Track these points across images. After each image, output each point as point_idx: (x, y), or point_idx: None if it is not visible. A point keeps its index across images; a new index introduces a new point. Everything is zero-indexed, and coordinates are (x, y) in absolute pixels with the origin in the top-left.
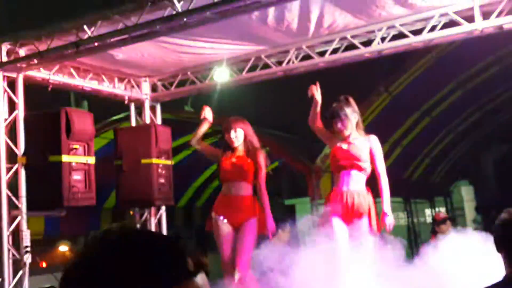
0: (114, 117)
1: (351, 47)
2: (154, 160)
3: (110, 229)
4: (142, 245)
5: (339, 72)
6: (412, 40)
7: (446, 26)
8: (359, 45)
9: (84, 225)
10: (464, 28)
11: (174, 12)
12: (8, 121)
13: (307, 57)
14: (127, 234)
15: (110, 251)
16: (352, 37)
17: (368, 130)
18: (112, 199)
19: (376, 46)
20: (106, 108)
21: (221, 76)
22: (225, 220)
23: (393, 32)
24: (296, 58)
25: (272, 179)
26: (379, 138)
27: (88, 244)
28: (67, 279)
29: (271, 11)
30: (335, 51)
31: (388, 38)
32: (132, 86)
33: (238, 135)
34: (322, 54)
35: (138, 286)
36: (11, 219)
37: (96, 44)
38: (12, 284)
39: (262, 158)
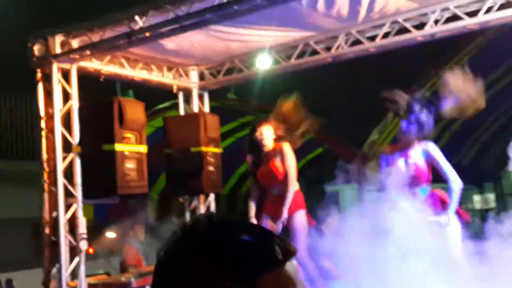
0: (160, 106)
1: (402, 30)
2: (204, 148)
3: (198, 219)
4: (230, 233)
5: (386, 57)
6: (467, 22)
7: (502, 7)
8: (411, 29)
9: (130, 213)
10: None
11: (224, 1)
12: (63, 111)
13: (356, 42)
14: (215, 223)
15: (199, 240)
16: (404, 20)
17: None
18: (158, 186)
19: (429, 29)
20: (151, 97)
21: (264, 63)
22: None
23: (447, 14)
24: (346, 43)
25: (315, 166)
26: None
27: (178, 234)
28: (160, 269)
29: None
30: (386, 35)
31: (441, 21)
32: (180, 75)
33: (264, 134)
34: (372, 38)
35: (227, 274)
36: (67, 207)
37: (147, 34)
38: (70, 270)
39: (287, 151)
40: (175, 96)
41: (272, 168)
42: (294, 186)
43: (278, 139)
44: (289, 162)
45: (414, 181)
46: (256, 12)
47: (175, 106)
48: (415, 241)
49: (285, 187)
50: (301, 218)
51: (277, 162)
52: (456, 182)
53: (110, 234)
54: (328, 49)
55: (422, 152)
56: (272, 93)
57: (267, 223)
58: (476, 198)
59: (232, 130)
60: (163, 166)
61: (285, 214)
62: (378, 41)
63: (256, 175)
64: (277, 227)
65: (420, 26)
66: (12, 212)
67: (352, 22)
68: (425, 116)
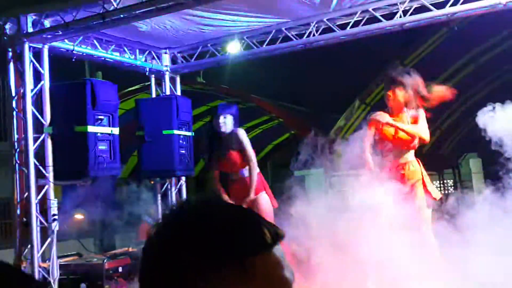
0: (130, 88)
1: (372, 20)
2: (176, 131)
3: (187, 202)
4: (219, 217)
5: (354, 45)
6: (435, 14)
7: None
8: (381, 18)
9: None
10: (488, 2)
11: None
12: (34, 91)
13: (327, 30)
14: (203, 206)
15: (187, 224)
16: (374, 10)
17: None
18: (127, 168)
19: (398, 19)
20: (120, 79)
21: (234, 49)
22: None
23: (415, 5)
24: (317, 31)
25: (283, 151)
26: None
27: (166, 217)
28: (150, 244)
29: None
30: (356, 24)
31: (410, 11)
32: (153, 58)
33: (226, 122)
34: (343, 27)
35: (215, 258)
36: (38, 188)
37: (122, 15)
38: (41, 251)
39: (243, 138)
40: (144, 79)
41: (232, 157)
42: (256, 168)
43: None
44: (248, 147)
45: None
46: None
47: (145, 88)
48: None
49: (244, 171)
50: (265, 199)
51: (234, 150)
52: None
53: (79, 216)
54: (300, 36)
55: None
56: (240, 78)
57: None
58: (436, 184)
59: (201, 114)
60: (133, 148)
61: (252, 195)
62: (348, 29)
63: (217, 164)
64: None
65: (390, 16)
66: None
67: (324, 9)
68: None
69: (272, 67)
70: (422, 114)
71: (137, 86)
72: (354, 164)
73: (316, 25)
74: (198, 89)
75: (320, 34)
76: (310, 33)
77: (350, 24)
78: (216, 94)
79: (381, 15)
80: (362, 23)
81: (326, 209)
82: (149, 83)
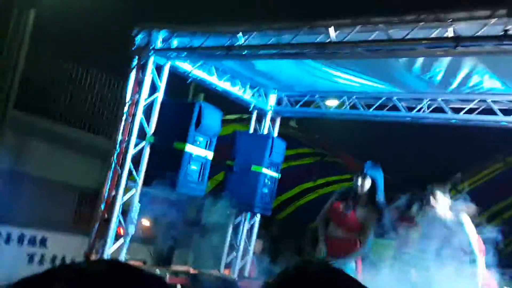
0: (228, 116)
1: (488, 111)
2: (264, 170)
3: (311, 263)
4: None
5: (457, 128)
6: None
7: None
8: (498, 112)
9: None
10: None
11: (327, 40)
12: (147, 101)
13: (439, 109)
14: (327, 271)
15: (310, 282)
16: (493, 102)
17: (474, 194)
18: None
19: None
20: (219, 106)
21: (340, 105)
22: None
23: None
24: (428, 107)
25: None
26: (480, 205)
27: (290, 273)
28: None
29: (421, 59)
30: (470, 110)
31: None
32: (260, 95)
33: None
34: (455, 110)
35: None
36: (126, 190)
37: (245, 52)
38: (112, 249)
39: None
40: (242, 110)
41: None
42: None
43: None
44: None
45: None
46: (354, 59)
47: (240, 120)
48: None
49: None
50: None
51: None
52: None
53: (145, 222)
54: (410, 108)
55: None
56: (332, 133)
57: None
58: None
59: (286, 156)
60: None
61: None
62: (462, 114)
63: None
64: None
65: (507, 112)
66: (62, 176)
67: (441, 89)
68: None
69: (367, 128)
70: None
71: (234, 116)
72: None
73: (428, 102)
74: (289, 132)
75: (430, 111)
76: (421, 108)
77: (464, 110)
78: (304, 142)
79: (499, 109)
80: (476, 111)
81: None
82: (246, 116)
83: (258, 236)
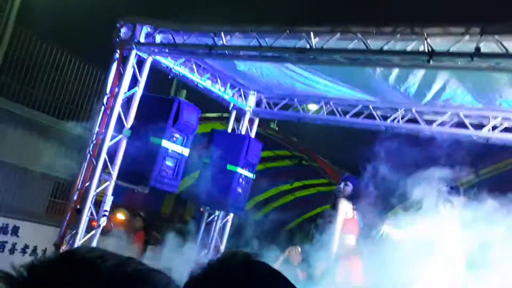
0: (208, 114)
1: (460, 124)
2: (239, 169)
3: (236, 255)
4: (261, 278)
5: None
6: None
7: None
8: (470, 126)
9: (145, 203)
10: None
11: (307, 46)
12: (126, 95)
13: (413, 120)
14: (251, 265)
15: (230, 278)
16: (465, 116)
17: None
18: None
19: (486, 132)
20: (200, 102)
21: (317, 110)
22: None
23: (506, 124)
24: (402, 117)
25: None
26: None
27: (213, 264)
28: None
29: (396, 70)
30: (443, 123)
31: (500, 128)
32: (240, 96)
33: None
34: (428, 121)
35: None
36: (99, 182)
37: (227, 52)
38: (83, 240)
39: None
40: (222, 109)
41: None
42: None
43: None
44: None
45: None
46: (332, 65)
47: (220, 118)
48: None
49: None
50: None
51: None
52: None
53: (120, 216)
54: (385, 117)
55: None
56: (311, 137)
57: None
58: None
59: (264, 158)
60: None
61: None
62: (434, 126)
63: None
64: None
65: (478, 126)
66: (38, 166)
67: (416, 101)
68: None
69: (345, 135)
70: None
71: (214, 115)
72: None
73: (403, 112)
74: (268, 134)
75: (405, 122)
76: (395, 118)
77: (437, 122)
78: (284, 144)
79: (470, 123)
80: (449, 124)
81: None
82: (226, 115)
83: (231, 235)
